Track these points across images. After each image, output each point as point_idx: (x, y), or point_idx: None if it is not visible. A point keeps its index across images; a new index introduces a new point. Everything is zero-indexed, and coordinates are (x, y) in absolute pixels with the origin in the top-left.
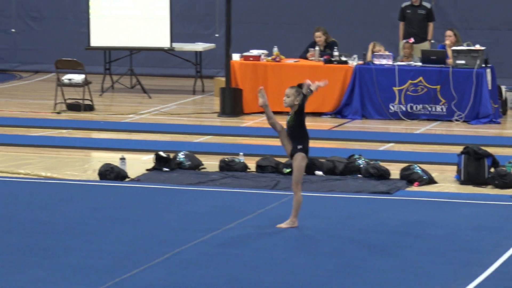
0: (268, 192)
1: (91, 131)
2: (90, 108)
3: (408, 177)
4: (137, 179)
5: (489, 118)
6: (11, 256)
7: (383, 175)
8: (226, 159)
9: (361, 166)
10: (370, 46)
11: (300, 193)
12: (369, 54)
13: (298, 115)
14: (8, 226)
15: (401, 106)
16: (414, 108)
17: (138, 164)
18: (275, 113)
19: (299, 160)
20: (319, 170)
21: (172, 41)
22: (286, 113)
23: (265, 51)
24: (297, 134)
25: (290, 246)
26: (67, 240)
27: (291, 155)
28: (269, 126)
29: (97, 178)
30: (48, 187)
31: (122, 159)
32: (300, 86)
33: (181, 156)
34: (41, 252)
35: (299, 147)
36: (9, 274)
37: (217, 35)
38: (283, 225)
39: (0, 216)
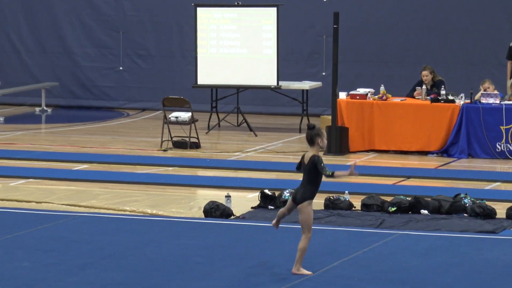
0: (373, 231)
1: (197, 168)
2: (196, 146)
3: None
4: (242, 217)
5: None
6: None
7: (489, 214)
8: (331, 198)
9: (467, 205)
10: (482, 84)
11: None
12: (480, 92)
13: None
14: (115, 263)
15: (508, 145)
16: None
17: (243, 202)
18: (383, 152)
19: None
20: (424, 209)
21: (279, 79)
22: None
23: (371, 90)
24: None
25: (398, 287)
26: (172, 277)
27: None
28: (374, 164)
29: (202, 216)
30: (153, 224)
31: (228, 196)
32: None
33: (286, 194)
34: None
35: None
36: None
37: (323, 73)
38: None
39: (107, 253)
